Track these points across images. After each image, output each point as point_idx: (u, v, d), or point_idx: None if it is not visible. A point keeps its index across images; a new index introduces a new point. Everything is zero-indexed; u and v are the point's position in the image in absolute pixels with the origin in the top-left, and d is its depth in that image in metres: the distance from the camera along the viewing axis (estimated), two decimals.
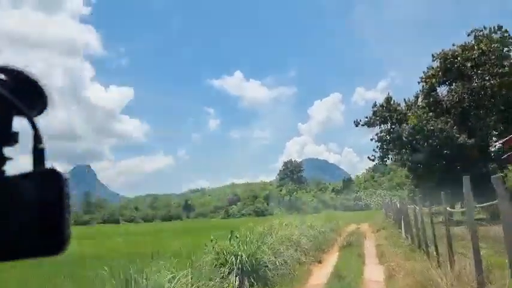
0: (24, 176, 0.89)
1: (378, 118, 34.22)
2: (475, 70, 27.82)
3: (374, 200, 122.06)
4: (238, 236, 10.64)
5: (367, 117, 34.87)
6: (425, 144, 27.92)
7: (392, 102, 34.27)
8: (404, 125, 31.42)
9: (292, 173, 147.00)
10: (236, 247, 9.96)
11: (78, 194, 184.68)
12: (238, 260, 9.51)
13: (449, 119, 27.35)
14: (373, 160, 34.80)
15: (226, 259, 9.66)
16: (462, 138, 26.19)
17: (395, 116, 33.10)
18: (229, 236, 10.57)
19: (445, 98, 28.34)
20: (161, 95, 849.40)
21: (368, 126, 35.01)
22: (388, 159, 34.12)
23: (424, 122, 27.79)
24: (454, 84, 28.52)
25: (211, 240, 10.31)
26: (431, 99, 28.77)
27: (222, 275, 9.30)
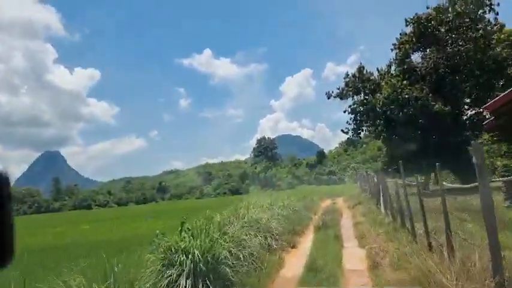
0: None
1: (350, 89, 32.59)
2: (449, 34, 26.31)
3: (348, 174, 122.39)
4: (190, 227, 8.64)
5: (339, 89, 33.21)
6: (400, 113, 26.48)
7: (364, 72, 32.65)
8: (378, 95, 29.89)
9: (266, 150, 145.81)
10: (188, 242, 7.99)
11: (48, 181, 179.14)
12: (189, 259, 7.57)
13: (424, 87, 25.89)
14: (346, 133, 33.37)
15: (174, 259, 7.69)
16: (438, 106, 24.80)
17: (368, 86, 31.51)
18: (180, 228, 8.57)
19: (420, 65, 26.76)
20: (129, 76, 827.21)
21: (340, 98, 33.39)
22: (362, 131, 32.68)
23: (399, 90, 26.28)
24: (428, 50, 26.94)
25: (157, 236, 8.29)
26: (405, 67, 27.16)
27: (169, 279, 7.37)
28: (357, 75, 32.55)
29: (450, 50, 25.66)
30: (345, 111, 33.19)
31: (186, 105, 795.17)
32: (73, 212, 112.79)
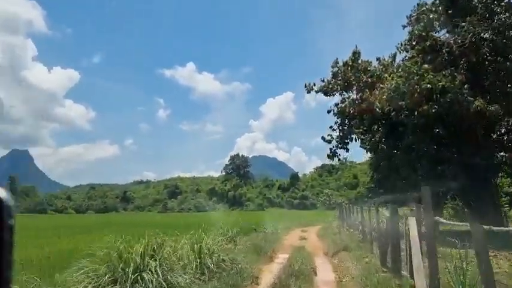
0: None
1: (339, 82, 22.78)
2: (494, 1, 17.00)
3: (321, 200, 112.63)
4: None
5: (323, 81, 23.37)
6: (415, 114, 16.79)
7: (360, 61, 23.02)
8: (377, 91, 20.18)
9: (238, 167, 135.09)
10: None
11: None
12: None
13: (456, 74, 16.33)
14: (329, 142, 23.25)
15: None
16: (479, 102, 15.16)
17: (364, 79, 21.83)
18: None
19: (452, 41, 17.10)
20: (109, 81, 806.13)
21: (325, 94, 23.46)
22: (351, 140, 22.71)
23: (416, 78, 16.66)
24: (463, 22, 17.42)
25: None
26: (428, 43, 17.52)
27: None
28: (350, 63, 22.88)
29: (497, 22, 16.28)
30: (329, 111, 23.27)
31: (165, 117, 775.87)
32: (22, 215, 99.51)
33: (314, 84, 23.75)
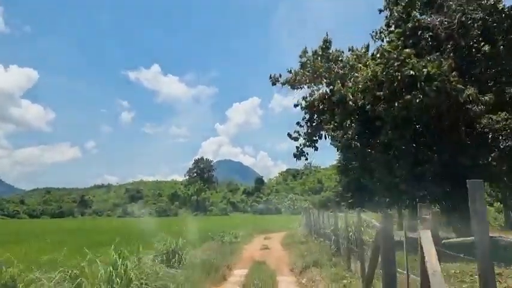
0: None
1: (308, 73, 20.18)
2: None
3: (285, 204, 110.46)
4: None
5: (290, 72, 20.71)
6: (396, 106, 14.34)
7: (331, 50, 20.54)
8: (350, 83, 17.71)
9: (202, 171, 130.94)
10: None
11: None
12: None
13: (443, 59, 14.02)
14: (296, 139, 20.58)
15: None
16: (470, 90, 12.85)
17: (336, 70, 19.36)
18: None
19: (437, 23, 14.75)
20: (70, 82, 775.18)
21: (292, 87, 20.82)
22: (320, 137, 20.11)
23: (396, 65, 14.24)
24: (450, 1, 15.07)
25: None
26: (409, 25, 15.11)
27: None
28: (320, 52, 20.37)
29: (488, 2, 14.09)
30: (296, 106, 20.59)
31: (129, 119, 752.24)
32: None
33: (280, 76, 21.05)
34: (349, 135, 18.23)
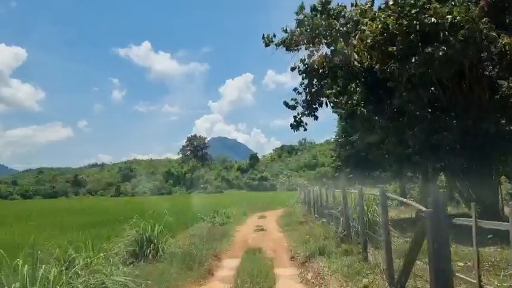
0: None
1: (306, 32, 17.62)
2: None
3: (280, 181, 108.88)
4: None
5: (286, 31, 18.13)
6: (413, 62, 11.94)
7: (332, 6, 17.96)
8: (355, 41, 15.24)
9: (196, 149, 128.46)
10: None
11: None
12: None
13: (469, 4, 11.60)
14: (293, 108, 18.20)
15: None
16: (508, 40, 10.57)
17: (337, 27, 16.84)
18: None
19: None
20: (60, 60, 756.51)
21: (287, 48, 18.24)
22: (320, 105, 17.72)
23: (413, 12, 11.81)
24: None
25: None
26: None
27: None
28: (320, 7, 17.80)
29: None
30: (293, 69, 18.09)
31: (120, 97, 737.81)
32: None
33: (274, 36, 18.42)
34: (354, 101, 15.89)
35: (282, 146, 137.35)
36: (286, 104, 18.37)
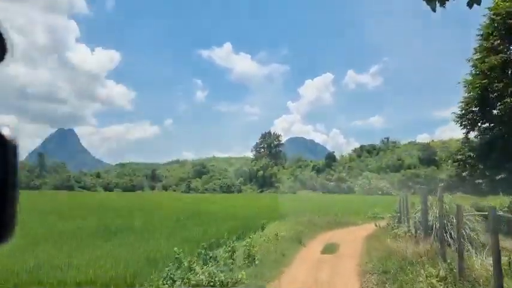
0: None
1: None
2: None
3: (359, 183, 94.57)
4: None
5: None
6: None
7: None
8: None
9: (270, 146, 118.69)
10: None
11: (60, 159, 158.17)
12: None
13: None
14: None
15: None
16: None
17: None
18: None
19: None
20: (149, 62, 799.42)
21: None
22: None
23: None
24: None
25: None
26: None
27: None
28: None
29: None
30: None
31: (202, 98, 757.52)
32: (47, 192, 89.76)
33: None
34: None
35: (362, 146, 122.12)
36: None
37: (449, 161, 20.80)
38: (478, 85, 16.52)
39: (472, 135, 18.08)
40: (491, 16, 17.15)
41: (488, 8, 17.30)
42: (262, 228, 15.36)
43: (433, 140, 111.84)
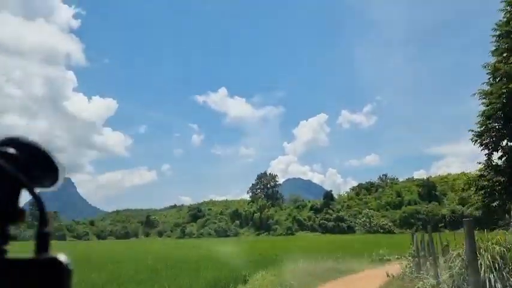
0: (24, 261, 0.66)
1: None
2: None
3: (359, 221, 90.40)
4: None
5: None
6: None
7: None
8: None
9: (266, 187, 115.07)
10: None
11: (55, 208, 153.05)
12: None
13: None
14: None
15: None
16: None
17: None
18: None
19: None
20: (145, 109, 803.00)
21: None
22: None
23: None
24: None
25: None
26: None
27: None
28: None
29: None
30: None
31: (199, 142, 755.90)
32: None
33: None
34: None
35: (360, 185, 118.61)
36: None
37: (472, 189, 17.70)
38: (501, 92, 13.72)
39: (495, 156, 15.34)
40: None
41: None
42: (245, 282, 12.14)
43: (430, 176, 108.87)
